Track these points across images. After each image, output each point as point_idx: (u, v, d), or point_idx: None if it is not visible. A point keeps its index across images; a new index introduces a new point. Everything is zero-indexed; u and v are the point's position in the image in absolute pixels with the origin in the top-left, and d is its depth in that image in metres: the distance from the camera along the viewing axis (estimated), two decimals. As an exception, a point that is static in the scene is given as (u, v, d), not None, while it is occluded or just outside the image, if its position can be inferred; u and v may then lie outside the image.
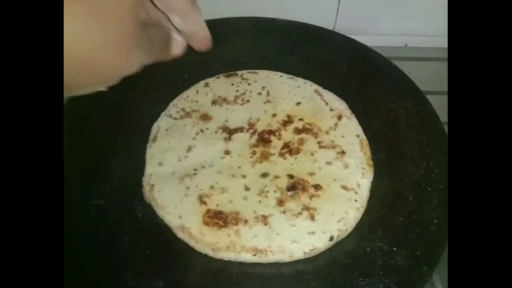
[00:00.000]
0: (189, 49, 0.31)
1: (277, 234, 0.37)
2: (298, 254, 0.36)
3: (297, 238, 0.37)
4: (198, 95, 0.50)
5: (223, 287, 0.34)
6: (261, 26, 0.58)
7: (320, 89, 0.50)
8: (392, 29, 0.67)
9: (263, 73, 0.52)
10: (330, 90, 0.50)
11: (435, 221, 0.38)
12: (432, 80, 0.58)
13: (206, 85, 0.51)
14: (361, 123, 0.47)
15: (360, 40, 0.56)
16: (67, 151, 0.43)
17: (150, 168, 0.42)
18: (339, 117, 0.47)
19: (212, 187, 0.40)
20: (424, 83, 0.51)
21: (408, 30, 0.67)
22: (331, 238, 0.37)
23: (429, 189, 0.40)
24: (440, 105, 0.47)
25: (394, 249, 0.37)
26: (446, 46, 0.59)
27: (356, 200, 0.40)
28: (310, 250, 0.36)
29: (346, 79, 0.52)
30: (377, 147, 0.45)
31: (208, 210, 0.38)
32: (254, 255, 0.36)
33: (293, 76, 0.52)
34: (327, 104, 0.48)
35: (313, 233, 0.37)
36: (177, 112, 0.48)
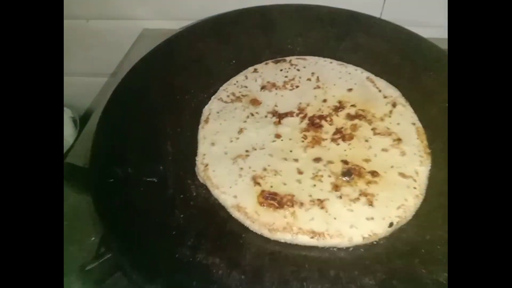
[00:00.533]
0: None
1: (334, 218, 0.36)
2: (357, 239, 0.35)
3: (355, 223, 0.36)
4: (247, 81, 0.50)
5: (280, 267, 0.34)
6: (309, 13, 0.57)
7: (372, 76, 0.49)
8: (435, 21, 0.65)
9: (312, 59, 0.52)
10: (381, 78, 0.49)
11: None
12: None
13: (255, 70, 0.51)
14: (415, 111, 0.45)
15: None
16: (124, 131, 0.45)
17: (203, 148, 0.43)
18: (394, 105, 0.45)
19: (265, 169, 0.40)
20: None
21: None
22: (391, 225, 0.36)
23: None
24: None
25: (456, 239, 0.35)
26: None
27: (415, 188, 0.38)
28: (369, 235, 0.35)
29: (398, 67, 0.50)
30: (433, 136, 0.43)
31: (263, 191, 0.38)
32: (312, 237, 0.35)
33: (343, 63, 0.51)
34: (380, 91, 0.47)
35: (372, 218, 0.36)
36: (228, 96, 0.48)
